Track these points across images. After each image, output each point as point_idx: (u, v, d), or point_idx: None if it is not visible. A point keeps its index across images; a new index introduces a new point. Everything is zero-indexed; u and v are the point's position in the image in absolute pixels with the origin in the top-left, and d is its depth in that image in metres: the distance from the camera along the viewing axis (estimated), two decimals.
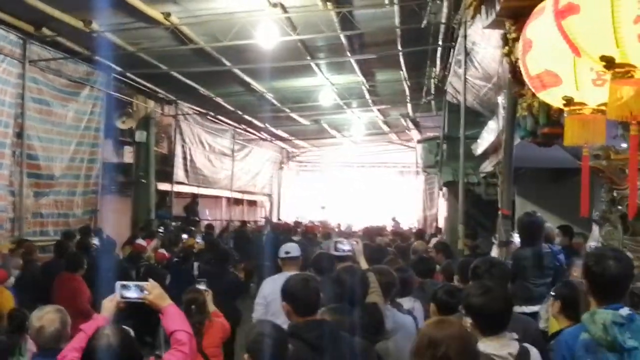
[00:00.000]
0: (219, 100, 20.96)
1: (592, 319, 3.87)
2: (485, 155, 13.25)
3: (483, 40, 9.77)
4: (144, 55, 15.44)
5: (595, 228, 5.59)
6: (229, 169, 26.49)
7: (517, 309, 5.80)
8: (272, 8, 12.16)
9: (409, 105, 22.29)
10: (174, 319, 4.13)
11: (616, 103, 3.47)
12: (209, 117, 23.97)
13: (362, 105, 22.87)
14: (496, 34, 7.87)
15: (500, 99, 9.55)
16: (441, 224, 21.08)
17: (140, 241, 12.92)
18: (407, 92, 20.13)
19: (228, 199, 27.84)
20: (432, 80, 17.38)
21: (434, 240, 14.23)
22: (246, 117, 24.32)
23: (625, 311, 3.85)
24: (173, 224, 19.35)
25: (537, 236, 7.49)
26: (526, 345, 4.07)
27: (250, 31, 13.19)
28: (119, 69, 16.29)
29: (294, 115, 23.89)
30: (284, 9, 12.45)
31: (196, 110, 22.67)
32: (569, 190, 7.05)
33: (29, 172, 13.83)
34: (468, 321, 3.97)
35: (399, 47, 15.08)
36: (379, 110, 23.67)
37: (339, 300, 4.97)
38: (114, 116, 17.89)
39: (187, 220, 21.73)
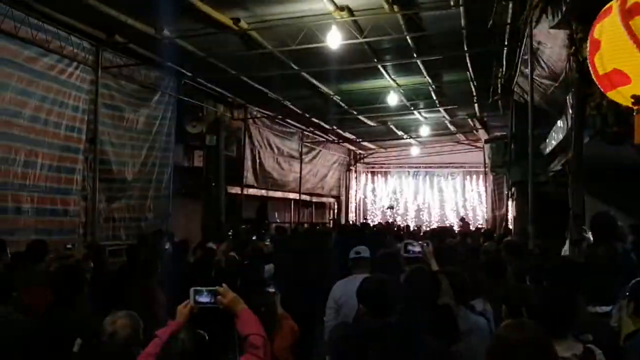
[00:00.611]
0: (287, 103, 21.10)
1: None
2: (554, 154, 13.10)
3: (549, 40, 9.70)
4: (214, 60, 15.65)
5: None
6: (297, 172, 26.64)
7: (590, 309, 5.74)
8: (339, 12, 12.26)
9: (476, 106, 22.10)
10: (248, 323, 4.19)
11: None
12: (277, 120, 24.17)
13: (429, 106, 22.76)
14: (562, 34, 7.84)
15: (568, 98, 9.46)
16: (511, 224, 20.87)
17: (210, 244, 13.03)
18: (474, 92, 19.97)
19: (296, 201, 27.93)
20: (499, 80, 17.23)
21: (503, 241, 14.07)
22: (314, 119, 24.47)
23: None
24: (243, 226, 19.39)
25: (611, 235, 7.26)
26: (591, 346, 4.02)
27: (317, 35, 13.34)
28: (189, 74, 16.59)
29: (361, 117, 23.90)
30: (351, 12, 12.54)
31: (265, 113, 22.87)
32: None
33: (102, 177, 14.15)
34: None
35: (465, 48, 15.02)
36: (445, 110, 23.52)
37: (409, 302, 4.89)
38: (184, 121, 18.18)
39: (257, 223, 21.88)
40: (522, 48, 12.04)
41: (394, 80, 18.47)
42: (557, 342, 3.86)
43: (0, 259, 8.22)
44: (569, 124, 9.31)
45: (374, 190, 36.34)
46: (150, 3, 10.78)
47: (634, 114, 4.56)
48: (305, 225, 25.09)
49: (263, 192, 23.75)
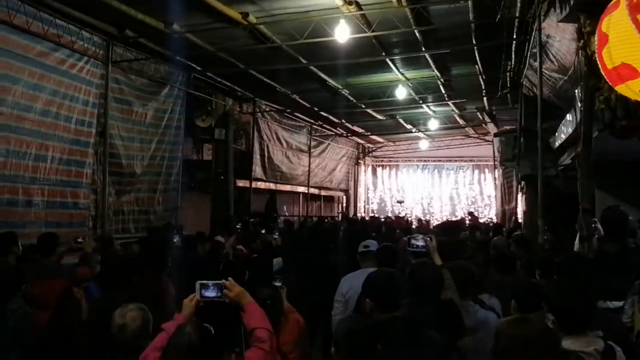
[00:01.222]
0: (296, 97, 21.16)
1: None
2: (563, 148, 13.08)
3: (558, 33, 9.68)
4: (223, 55, 15.67)
5: None
6: (306, 165, 26.72)
7: (602, 304, 5.73)
8: (348, 6, 12.25)
9: (485, 99, 22.07)
10: (254, 317, 4.23)
11: None
12: (286, 113, 24.22)
13: (437, 99, 22.78)
14: (571, 27, 7.82)
15: (577, 92, 9.44)
16: (520, 218, 20.82)
17: (218, 238, 13.03)
18: (483, 86, 19.95)
19: (305, 194, 28.03)
20: (508, 74, 17.20)
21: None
22: (322, 113, 24.48)
23: None
24: (251, 220, 19.49)
25: (622, 231, 7.24)
26: (610, 343, 4.00)
27: (325, 29, 13.36)
28: (198, 68, 16.68)
29: (369, 110, 23.91)
30: (359, 6, 12.55)
31: (273, 107, 22.92)
32: None
33: (111, 171, 14.24)
34: (550, 318, 3.95)
35: (474, 42, 15.00)
36: (454, 104, 23.51)
37: (412, 296, 4.85)
38: (193, 114, 18.24)
39: (265, 216, 21.92)
40: (531, 41, 12.01)
41: (402, 74, 18.46)
42: (577, 338, 3.89)
43: (11, 251, 8.23)
44: (578, 117, 9.28)
45: (382, 183, 36.30)
46: None
47: None
48: (314, 219, 25.11)
49: (272, 185, 23.81)
